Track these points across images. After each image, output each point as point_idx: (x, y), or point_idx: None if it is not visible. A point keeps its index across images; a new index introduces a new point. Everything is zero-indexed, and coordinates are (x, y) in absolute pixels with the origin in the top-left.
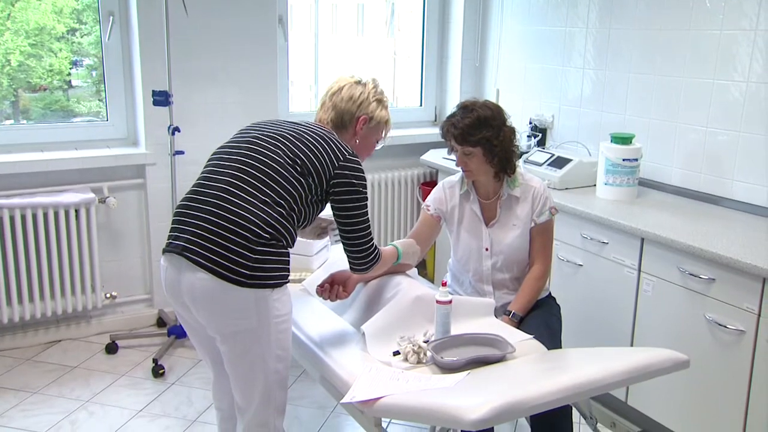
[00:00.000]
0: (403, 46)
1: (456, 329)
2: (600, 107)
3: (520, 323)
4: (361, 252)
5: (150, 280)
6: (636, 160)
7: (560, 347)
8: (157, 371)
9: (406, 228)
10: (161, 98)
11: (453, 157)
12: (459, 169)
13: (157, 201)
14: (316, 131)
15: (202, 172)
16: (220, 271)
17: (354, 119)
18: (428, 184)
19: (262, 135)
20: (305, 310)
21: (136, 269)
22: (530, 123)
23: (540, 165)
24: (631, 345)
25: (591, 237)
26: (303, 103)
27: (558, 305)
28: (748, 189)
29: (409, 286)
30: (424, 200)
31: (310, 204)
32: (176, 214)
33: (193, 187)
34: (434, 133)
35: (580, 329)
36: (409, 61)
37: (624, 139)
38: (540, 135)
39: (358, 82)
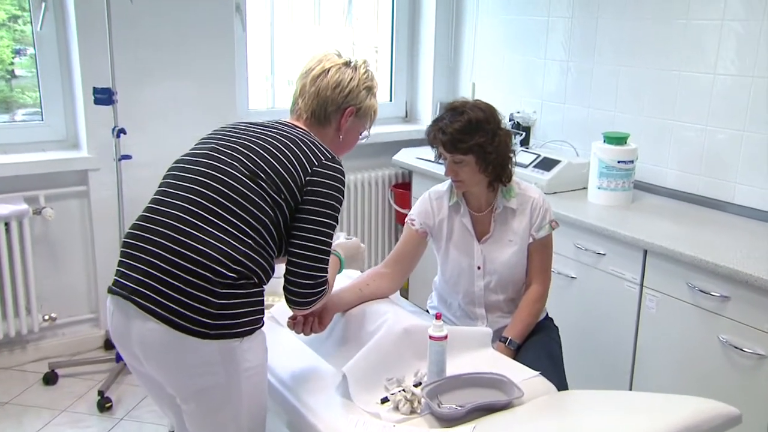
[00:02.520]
0: (364, 36)
1: (450, 365)
2: (586, 103)
3: (518, 351)
4: (308, 280)
5: (96, 297)
6: (632, 162)
7: (564, 377)
8: (104, 405)
9: (377, 234)
10: (103, 96)
11: (441, 163)
12: (442, 174)
13: (101, 210)
14: (286, 134)
15: (154, 195)
16: (176, 320)
17: (339, 111)
18: (401, 186)
19: (221, 146)
20: (274, 344)
21: (80, 286)
22: (511, 120)
23: (525, 167)
24: (633, 366)
25: (586, 247)
26: (261, 98)
27: (556, 327)
28: (752, 193)
29: (395, 317)
30: (396, 203)
31: (290, 228)
32: (123, 246)
33: (142, 213)
34: (406, 130)
35: (575, 347)
36: (372, 52)
37: (618, 139)
38: (524, 134)
39: (347, 64)
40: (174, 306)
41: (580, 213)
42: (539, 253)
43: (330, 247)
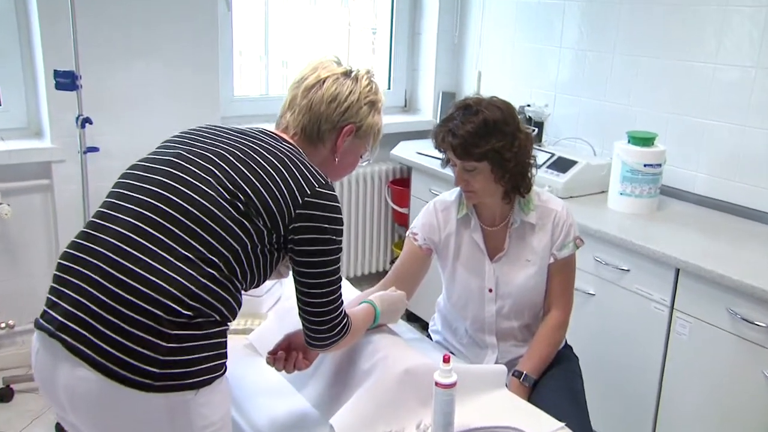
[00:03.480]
0: (361, 17)
1: (459, 412)
2: (604, 96)
3: (534, 386)
4: (326, 323)
5: None
6: (659, 165)
7: (589, 421)
8: (62, 427)
9: (372, 235)
10: (66, 80)
11: (449, 171)
12: (444, 171)
13: (66, 206)
14: (274, 149)
15: (99, 208)
16: (113, 368)
17: (336, 129)
18: (399, 182)
19: (189, 153)
20: (250, 380)
21: (41, 290)
22: (521, 114)
23: (538, 167)
24: (658, 399)
25: (607, 261)
26: (251, 84)
27: (576, 357)
28: None
29: (394, 354)
30: (393, 201)
31: (261, 255)
32: (56, 269)
33: (83, 229)
34: (405, 122)
35: (590, 372)
36: (370, 35)
37: (645, 140)
38: (536, 130)
39: (347, 74)
40: (111, 349)
41: (600, 222)
42: (561, 274)
43: (340, 281)
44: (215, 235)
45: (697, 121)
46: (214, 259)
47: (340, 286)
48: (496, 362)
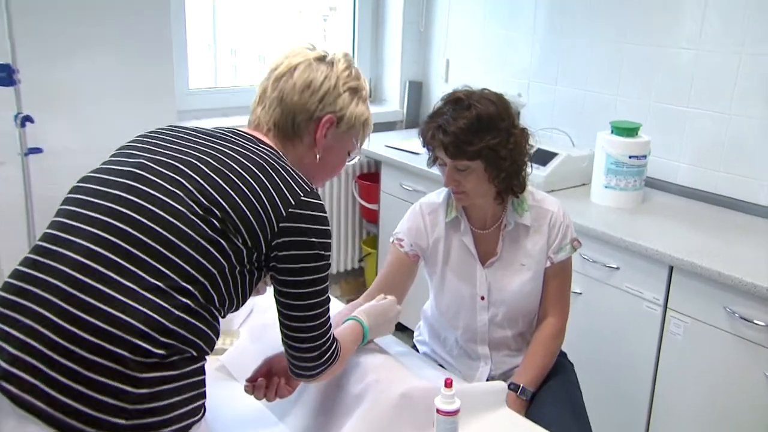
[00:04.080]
0: (313, 4)
1: (466, 428)
2: (581, 84)
3: (532, 399)
4: (312, 350)
5: None
6: (645, 157)
7: (590, 429)
8: None
9: (340, 232)
10: (1, 75)
11: (431, 169)
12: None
13: (6, 214)
14: (250, 152)
15: (47, 229)
16: (71, 422)
17: (313, 121)
18: (367, 177)
19: (154, 162)
20: (226, 409)
21: None
22: None
23: None
24: (651, 400)
25: (594, 259)
26: (203, 74)
27: (571, 364)
28: None
29: (387, 376)
30: (361, 197)
31: (239, 276)
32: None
33: (29, 254)
34: (372, 113)
35: (581, 373)
36: (322, 22)
37: (629, 130)
38: None
39: (321, 59)
40: (67, 400)
41: (585, 217)
42: (558, 278)
43: (328, 302)
44: (188, 258)
45: (679, 110)
46: (187, 286)
47: (328, 308)
48: (490, 374)
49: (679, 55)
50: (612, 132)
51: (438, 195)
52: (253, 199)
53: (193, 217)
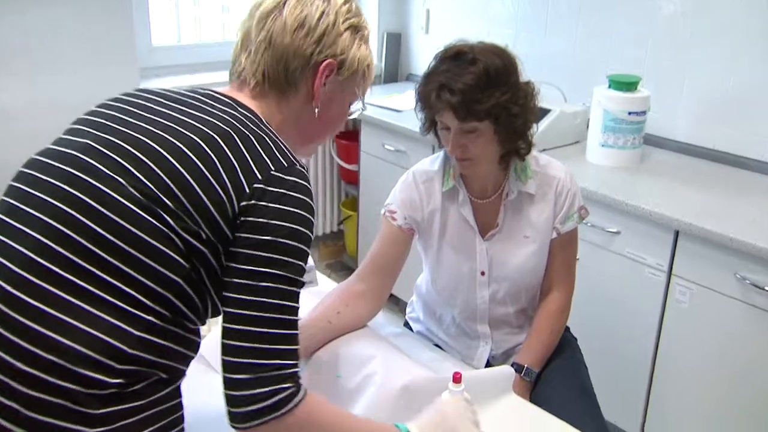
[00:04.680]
0: None
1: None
2: (571, 33)
3: (537, 380)
4: (249, 371)
5: None
6: (644, 113)
7: (602, 416)
8: None
9: (317, 194)
10: None
11: (433, 134)
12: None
13: None
14: (215, 119)
15: None
16: None
17: (310, 67)
18: (345, 136)
19: (101, 142)
20: (202, 403)
21: None
22: None
23: None
24: (653, 369)
25: (593, 223)
26: (165, 28)
27: (575, 339)
28: None
29: (385, 369)
30: (339, 156)
31: (215, 277)
32: None
33: None
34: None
35: (580, 341)
36: None
37: (628, 85)
38: None
39: None
40: None
41: (582, 178)
42: (564, 251)
43: (296, 316)
44: (143, 268)
45: (678, 60)
46: (147, 302)
47: (296, 323)
48: (491, 353)
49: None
50: (609, 86)
51: (432, 162)
52: (210, 179)
53: (140, 212)
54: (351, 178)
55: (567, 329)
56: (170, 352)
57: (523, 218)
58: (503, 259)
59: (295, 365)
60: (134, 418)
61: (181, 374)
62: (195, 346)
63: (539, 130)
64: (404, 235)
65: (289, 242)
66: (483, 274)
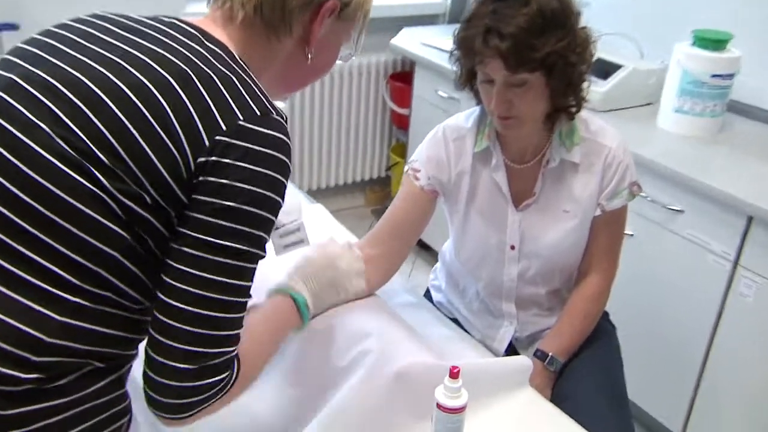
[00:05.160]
0: None
1: (471, 419)
2: None
3: (562, 372)
4: (187, 361)
5: None
6: (731, 76)
7: (631, 425)
8: None
9: (367, 137)
10: None
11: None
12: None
13: None
14: (177, 53)
15: None
16: None
17: (310, 7)
18: (399, 77)
19: (27, 78)
20: None
21: None
22: None
23: None
24: (703, 367)
25: (654, 198)
26: None
27: (613, 328)
28: None
29: (382, 346)
30: (393, 100)
31: (164, 248)
32: None
33: None
34: (409, 4)
35: (622, 329)
36: None
37: (716, 42)
38: None
39: None
40: None
41: (648, 146)
42: (607, 230)
43: (248, 297)
44: (66, 237)
45: None
46: (73, 281)
47: (239, 306)
48: (514, 335)
49: None
50: (693, 43)
51: (467, 118)
52: (159, 131)
53: (67, 170)
54: (402, 123)
55: (605, 316)
56: (106, 338)
57: (564, 190)
58: (537, 233)
59: (237, 345)
60: (60, 417)
61: (126, 361)
62: (139, 327)
63: (607, 87)
64: (426, 197)
65: (254, 210)
66: (513, 248)
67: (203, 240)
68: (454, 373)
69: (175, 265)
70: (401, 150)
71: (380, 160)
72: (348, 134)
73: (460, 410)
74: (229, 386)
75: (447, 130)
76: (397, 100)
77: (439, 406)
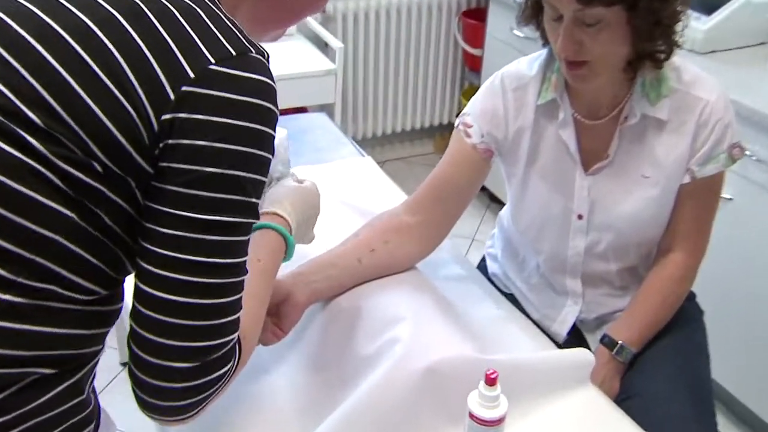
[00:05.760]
0: None
1: (514, 415)
2: None
3: (632, 363)
4: (201, 363)
5: None
6: None
7: (714, 422)
8: None
9: (437, 79)
10: None
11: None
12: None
13: None
14: None
15: None
16: None
17: None
18: (472, 14)
19: None
20: None
21: None
22: None
23: None
24: None
25: (760, 157)
26: None
27: (701, 313)
28: None
29: (413, 338)
30: (465, 39)
31: (118, 225)
32: None
33: None
34: None
35: (711, 307)
36: None
37: None
38: None
39: None
40: None
41: (757, 94)
42: (698, 200)
43: (241, 275)
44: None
45: None
46: (2, 273)
47: (241, 294)
48: (579, 316)
49: None
50: None
51: (530, 64)
52: (107, 81)
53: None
54: (474, 65)
55: (691, 297)
56: (53, 340)
57: (645, 151)
58: (610, 202)
59: (239, 329)
60: None
61: (85, 362)
62: (104, 320)
63: (711, 24)
64: (479, 156)
65: (241, 174)
66: (580, 218)
67: (184, 217)
68: (491, 379)
69: (152, 248)
70: (473, 94)
71: (451, 105)
72: (416, 76)
73: (496, 423)
74: (233, 373)
75: (506, 78)
76: (469, 39)
77: (471, 416)
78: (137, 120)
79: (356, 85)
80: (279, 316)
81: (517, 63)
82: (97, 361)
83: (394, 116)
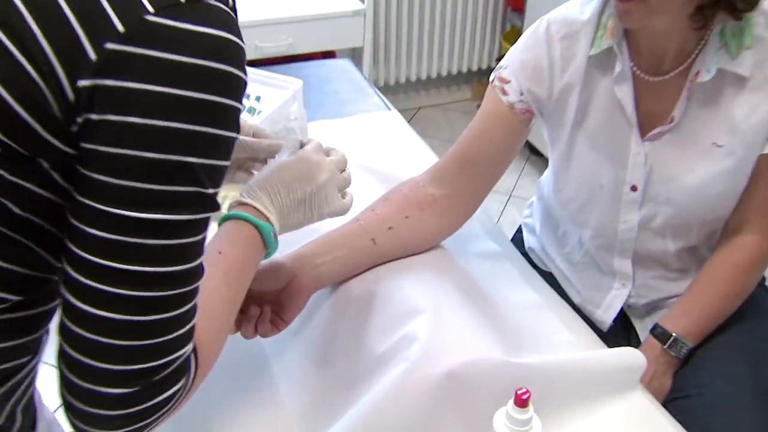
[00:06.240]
0: None
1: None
2: None
3: (688, 358)
4: (143, 386)
5: None
6: None
7: None
8: None
9: (477, 21)
10: None
11: None
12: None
13: None
14: None
15: None
16: None
17: None
18: None
19: None
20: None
21: None
22: None
23: None
24: None
25: None
26: None
27: None
28: None
29: (430, 336)
30: (512, 5)
31: (36, 212)
32: None
33: None
34: None
35: None
36: None
37: None
38: None
39: None
40: None
41: None
42: None
43: (195, 281)
44: None
45: None
46: None
47: (195, 301)
48: (627, 301)
49: None
50: None
51: (582, 7)
52: (6, 43)
53: None
54: (517, 4)
55: (762, 283)
56: None
57: (720, 115)
58: (671, 173)
59: (192, 341)
60: None
61: (8, 375)
62: (25, 328)
63: None
64: (516, 118)
65: (188, 159)
66: (634, 189)
67: (113, 214)
68: (521, 400)
69: (78, 252)
70: (515, 37)
71: (491, 48)
72: (453, 17)
73: None
74: (187, 390)
75: (552, 24)
76: None
77: None
78: (43, 86)
79: (389, 27)
80: (280, 304)
81: (566, 6)
82: (32, 376)
83: (429, 60)
